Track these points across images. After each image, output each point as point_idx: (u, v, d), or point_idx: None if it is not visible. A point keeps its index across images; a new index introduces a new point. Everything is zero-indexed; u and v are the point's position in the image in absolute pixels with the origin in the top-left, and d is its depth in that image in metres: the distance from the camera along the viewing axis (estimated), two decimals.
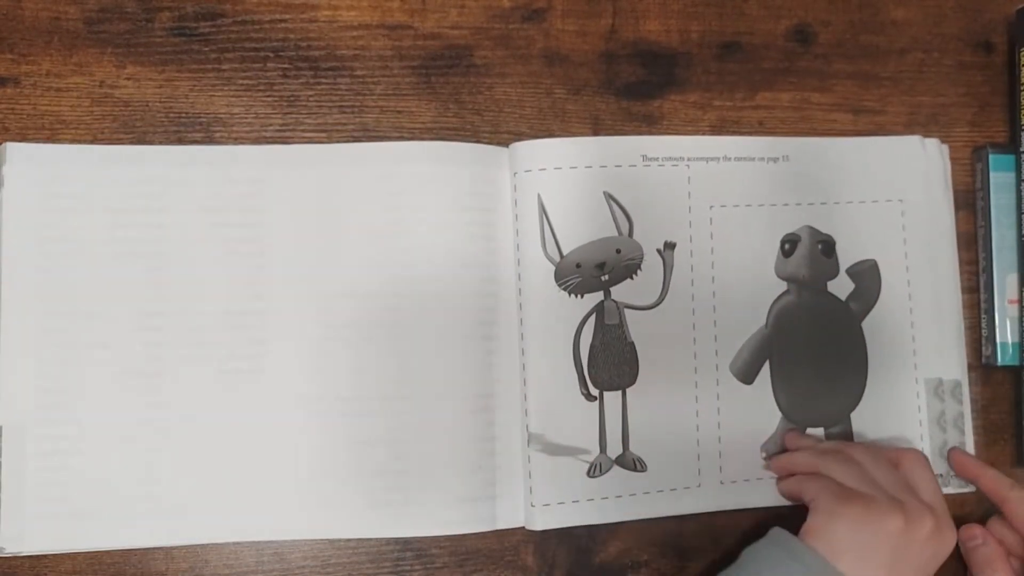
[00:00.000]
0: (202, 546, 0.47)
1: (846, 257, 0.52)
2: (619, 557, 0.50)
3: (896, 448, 0.48)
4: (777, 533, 0.44)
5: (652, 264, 0.50)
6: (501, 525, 0.48)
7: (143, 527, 0.46)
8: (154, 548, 0.46)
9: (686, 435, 0.50)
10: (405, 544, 0.48)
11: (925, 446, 0.52)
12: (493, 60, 0.51)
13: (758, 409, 0.51)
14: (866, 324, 0.52)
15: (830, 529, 0.43)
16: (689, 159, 0.51)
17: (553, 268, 0.49)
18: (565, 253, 0.49)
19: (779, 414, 0.51)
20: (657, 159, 0.51)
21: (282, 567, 0.47)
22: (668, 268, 0.50)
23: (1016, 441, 0.53)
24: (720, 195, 0.51)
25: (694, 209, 0.51)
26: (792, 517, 0.51)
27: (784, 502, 0.50)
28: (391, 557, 0.48)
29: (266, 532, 0.47)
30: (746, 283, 0.51)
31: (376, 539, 0.48)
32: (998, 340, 0.53)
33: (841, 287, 0.52)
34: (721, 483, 0.50)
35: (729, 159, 0.51)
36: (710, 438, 0.50)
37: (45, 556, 0.46)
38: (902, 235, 0.52)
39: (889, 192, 0.52)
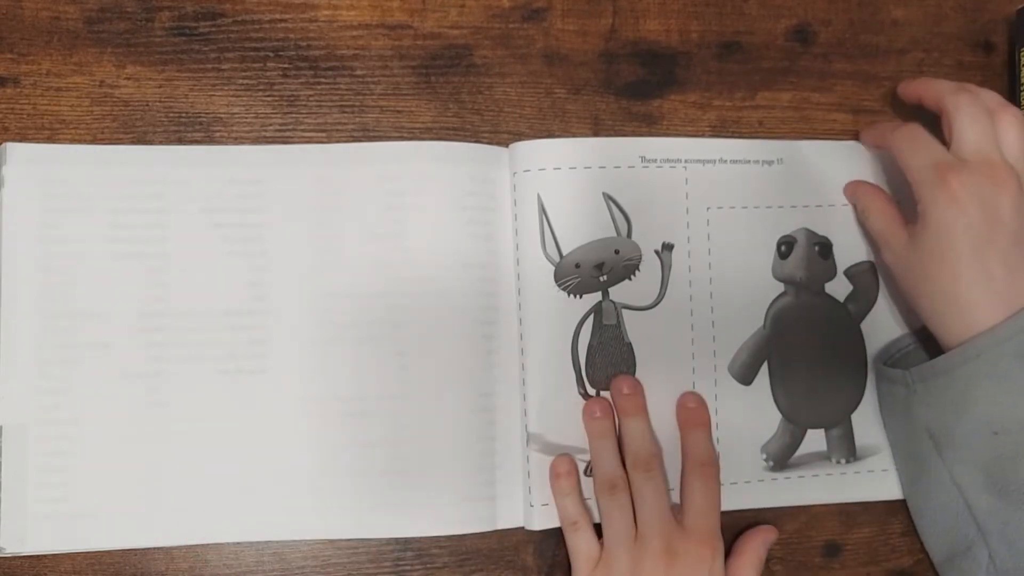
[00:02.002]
0: (202, 546, 0.47)
1: (843, 259, 0.52)
2: None
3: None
4: None
5: (650, 265, 0.50)
6: (501, 525, 0.48)
7: (143, 527, 0.46)
8: (154, 548, 0.46)
9: None
10: (405, 544, 0.48)
11: None
12: (493, 60, 0.51)
13: (757, 410, 0.51)
14: (866, 326, 0.52)
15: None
16: (687, 161, 0.51)
17: (552, 268, 0.49)
18: (564, 253, 0.49)
19: (779, 415, 0.51)
20: (656, 160, 0.51)
21: (282, 567, 0.47)
22: (666, 269, 0.50)
23: None
24: (717, 197, 0.51)
25: (692, 211, 0.51)
26: (780, 520, 0.51)
27: (783, 502, 0.50)
28: (391, 557, 0.48)
29: (266, 532, 0.47)
30: (743, 284, 0.51)
31: (376, 539, 0.48)
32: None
33: (839, 289, 0.52)
34: (719, 484, 0.50)
35: (726, 161, 0.51)
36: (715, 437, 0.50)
37: (45, 556, 0.46)
38: None
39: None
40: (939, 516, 0.48)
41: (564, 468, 0.48)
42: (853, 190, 0.51)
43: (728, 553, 0.48)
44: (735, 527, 0.50)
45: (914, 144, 0.46)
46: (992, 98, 0.46)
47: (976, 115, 0.45)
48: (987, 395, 0.43)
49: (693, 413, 0.49)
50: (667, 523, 0.45)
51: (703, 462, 0.47)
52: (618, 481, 0.46)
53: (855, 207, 0.52)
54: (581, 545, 0.47)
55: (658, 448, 0.48)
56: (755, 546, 0.48)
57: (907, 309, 0.52)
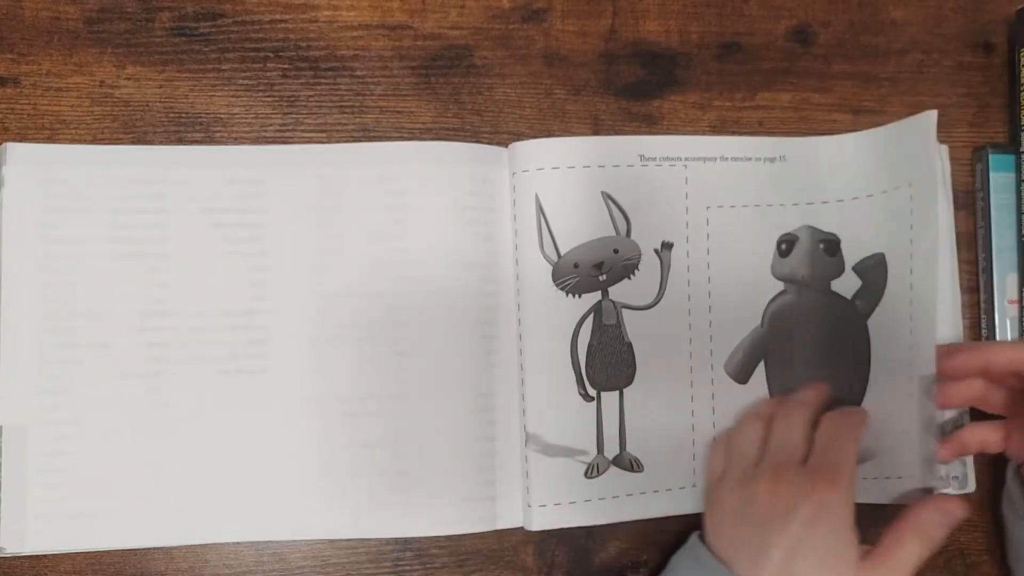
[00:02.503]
0: (202, 546, 0.47)
1: (852, 254, 0.52)
2: (619, 557, 0.50)
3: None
4: (693, 540, 0.45)
5: (650, 264, 0.50)
6: (501, 525, 0.48)
7: (143, 527, 0.46)
8: (154, 548, 0.46)
9: (682, 435, 0.50)
10: (405, 544, 0.48)
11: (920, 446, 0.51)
12: (493, 60, 0.51)
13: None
14: (872, 322, 0.52)
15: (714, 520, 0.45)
16: (686, 159, 0.51)
17: (551, 268, 0.49)
18: (563, 253, 0.49)
19: None
20: (655, 159, 0.51)
21: (282, 567, 0.47)
22: (665, 268, 0.50)
23: None
24: (717, 195, 0.51)
25: (691, 209, 0.51)
26: None
27: None
28: (391, 557, 0.48)
29: (266, 532, 0.47)
30: (743, 283, 0.51)
31: (376, 539, 0.48)
32: (998, 340, 0.53)
33: (847, 285, 0.52)
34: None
35: (726, 159, 0.51)
36: (706, 438, 0.50)
37: (45, 556, 0.46)
38: (909, 220, 0.50)
39: (896, 179, 0.51)
40: None
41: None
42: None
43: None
44: None
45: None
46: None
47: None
48: None
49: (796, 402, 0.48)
50: (789, 454, 0.44)
51: (852, 410, 0.47)
52: (765, 415, 0.47)
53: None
54: (714, 462, 0.47)
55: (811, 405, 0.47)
56: (928, 515, 0.43)
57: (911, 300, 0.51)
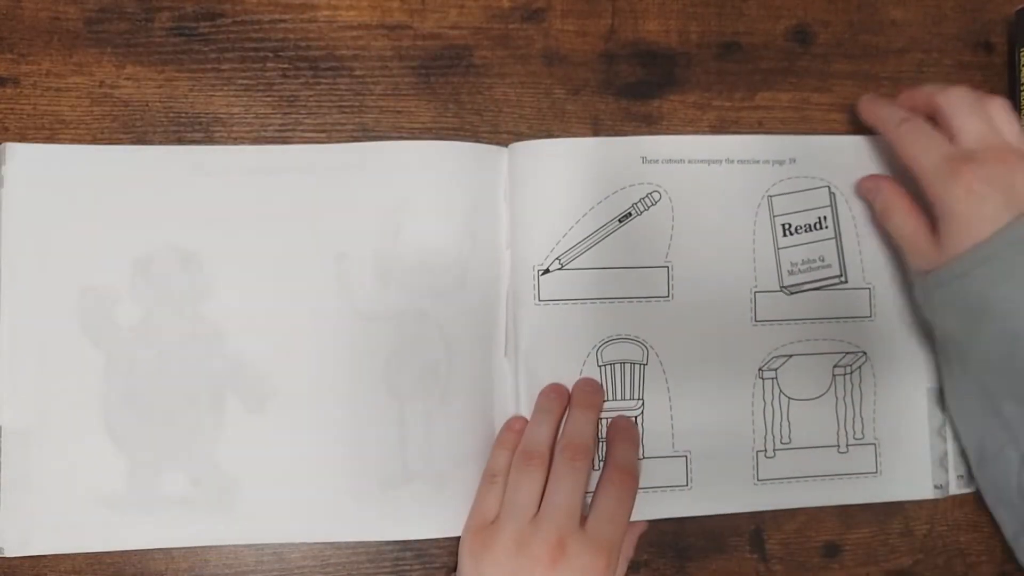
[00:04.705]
0: (202, 546, 0.47)
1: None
2: None
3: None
4: None
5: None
6: None
7: (143, 527, 0.46)
8: (154, 548, 0.46)
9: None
10: (405, 544, 0.48)
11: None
12: (493, 60, 0.51)
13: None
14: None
15: None
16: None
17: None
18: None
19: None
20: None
21: (281, 567, 0.47)
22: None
23: None
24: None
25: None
26: (779, 520, 0.51)
27: (781, 504, 0.50)
28: (390, 557, 0.48)
29: (265, 535, 0.47)
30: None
31: (376, 540, 0.48)
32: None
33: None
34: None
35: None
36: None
37: (45, 556, 0.46)
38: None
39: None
40: (970, 421, 0.48)
41: (517, 425, 0.48)
42: (872, 187, 0.50)
43: None
44: (735, 527, 0.50)
45: (921, 141, 0.46)
46: (973, 91, 0.47)
47: (972, 106, 0.46)
48: (1004, 299, 0.43)
49: (589, 396, 0.48)
50: (570, 517, 0.43)
51: (625, 471, 0.46)
52: (540, 457, 0.45)
53: (872, 205, 0.51)
54: (487, 501, 0.46)
55: (594, 446, 0.46)
56: (627, 543, 0.47)
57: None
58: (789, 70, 0.54)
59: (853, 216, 0.52)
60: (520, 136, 0.50)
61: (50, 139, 0.47)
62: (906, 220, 0.48)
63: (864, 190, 0.51)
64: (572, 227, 0.49)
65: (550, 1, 0.52)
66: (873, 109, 0.50)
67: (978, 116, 0.46)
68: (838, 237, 0.52)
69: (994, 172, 0.44)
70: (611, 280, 0.49)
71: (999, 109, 0.46)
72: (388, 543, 0.48)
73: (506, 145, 0.50)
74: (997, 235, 0.43)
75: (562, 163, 0.49)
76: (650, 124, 0.52)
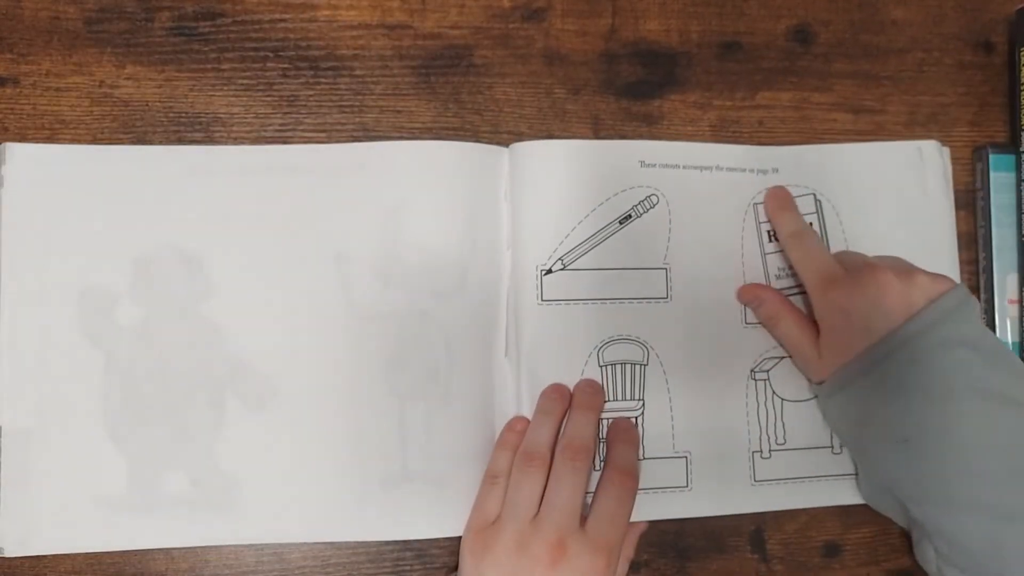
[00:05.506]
0: (202, 546, 0.47)
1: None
2: None
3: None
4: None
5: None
6: None
7: (143, 527, 0.46)
8: (154, 548, 0.46)
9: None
10: (405, 544, 0.48)
11: None
12: (493, 60, 0.51)
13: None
14: None
15: None
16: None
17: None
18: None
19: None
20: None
21: (282, 567, 0.47)
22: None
23: None
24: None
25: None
26: (780, 520, 0.51)
27: (777, 505, 0.50)
28: (391, 557, 0.48)
29: (265, 535, 0.47)
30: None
31: (376, 540, 0.48)
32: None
33: None
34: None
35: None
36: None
37: (45, 556, 0.46)
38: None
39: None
40: (890, 510, 0.49)
41: (518, 425, 0.48)
42: (756, 296, 0.50)
43: None
44: (736, 527, 0.50)
45: (806, 256, 0.48)
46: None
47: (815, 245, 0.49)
48: (887, 408, 0.44)
49: (589, 398, 0.48)
50: (570, 518, 0.43)
51: (625, 472, 0.46)
52: (541, 457, 0.45)
53: (756, 312, 0.51)
54: (488, 502, 0.46)
55: (594, 447, 0.47)
56: (627, 543, 0.47)
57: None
58: (790, 70, 0.54)
59: (840, 222, 0.52)
60: (520, 136, 0.50)
61: (50, 139, 0.47)
62: (792, 327, 0.49)
63: (748, 298, 0.51)
64: (574, 228, 0.49)
65: (550, 1, 0.52)
66: (775, 209, 0.51)
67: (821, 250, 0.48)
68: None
69: (863, 290, 0.44)
70: (612, 281, 0.49)
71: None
72: (388, 543, 0.48)
73: (506, 145, 0.50)
74: (872, 348, 0.44)
75: (563, 164, 0.49)
76: (651, 124, 0.52)
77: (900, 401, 0.43)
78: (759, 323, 0.51)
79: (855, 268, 0.46)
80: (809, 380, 0.50)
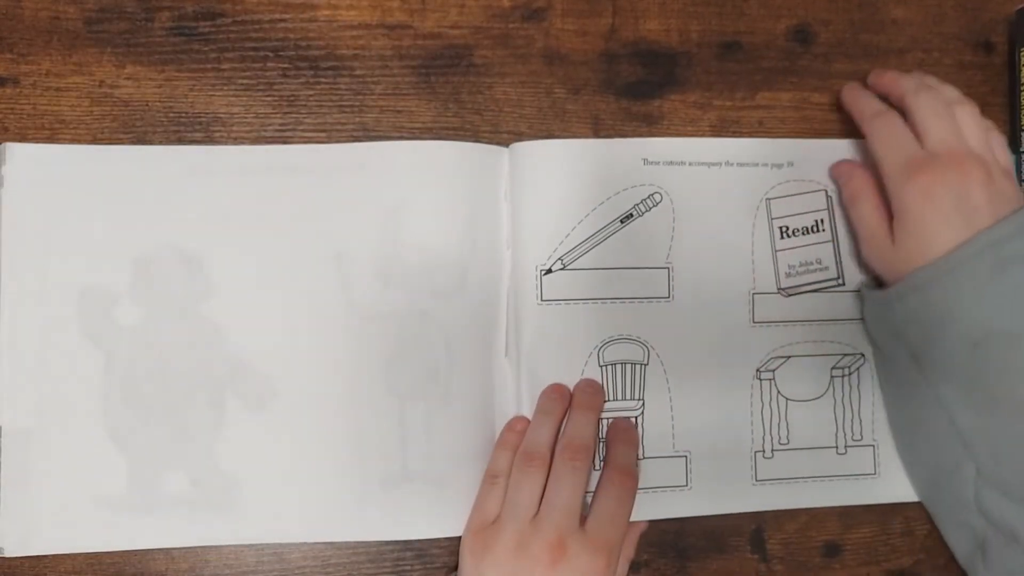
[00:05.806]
0: (202, 546, 0.47)
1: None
2: None
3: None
4: None
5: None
6: None
7: (143, 527, 0.46)
8: (154, 548, 0.46)
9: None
10: (405, 544, 0.48)
11: None
12: (493, 60, 0.51)
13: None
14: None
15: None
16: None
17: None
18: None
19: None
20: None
21: (282, 567, 0.47)
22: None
23: None
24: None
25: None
26: (780, 520, 0.51)
27: (778, 505, 0.50)
28: (391, 557, 0.48)
29: (265, 535, 0.47)
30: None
31: (376, 540, 0.48)
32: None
33: None
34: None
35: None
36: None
37: (45, 556, 0.46)
38: None
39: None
40: (925, 439, 0.48)
41: (518, 425, 0.48)
42: (845, 171, 0.51)
43: None
44: (736, 528, 0.50)
45: (889, 139, 0.47)
46: (951, 92, 0.49)
47: (938, 110, 0.47)
48: (966, 308, 0.43)
49: (589, 398, 0.48)
50: (570, 517, 0.43)
51: (625, 471, 0.46)
52: (541, 458, 0.45)
53: (841, 189, 0.51)
54: (488, 502, 0.46)
55: (594, 447, 0.47)
56: (627, 543, 0.48)
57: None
58: (790, 70, 0.54)
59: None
60: (520, 136, 0.50)
61: (50, 139, 0.47)
62: (871, 211, 0.48)
63: (837, 173, 0.51)
64: (575, 227, 0.49)
65: (550, 1, 0.52)
66: (853, 98, 0.51)
67: (944, 120, 0.46)
68: (835, 240, 0.52)
69: (949, 178, 0.44)
70: (613, 280, 0.49)
71: (966, 115, 0.47)
72: (388, 543, 0.48)
73: (507, 145, 0.50)
74: (960, 248, 0.43)
75: (564, 164, 0.49)
76: (651, 124, 0.52)
77: (978, 306, 0.43)
78: (768, 321, 0.51)
79: (940, 154, 0.45)
80: (868, 288, 0.49)
